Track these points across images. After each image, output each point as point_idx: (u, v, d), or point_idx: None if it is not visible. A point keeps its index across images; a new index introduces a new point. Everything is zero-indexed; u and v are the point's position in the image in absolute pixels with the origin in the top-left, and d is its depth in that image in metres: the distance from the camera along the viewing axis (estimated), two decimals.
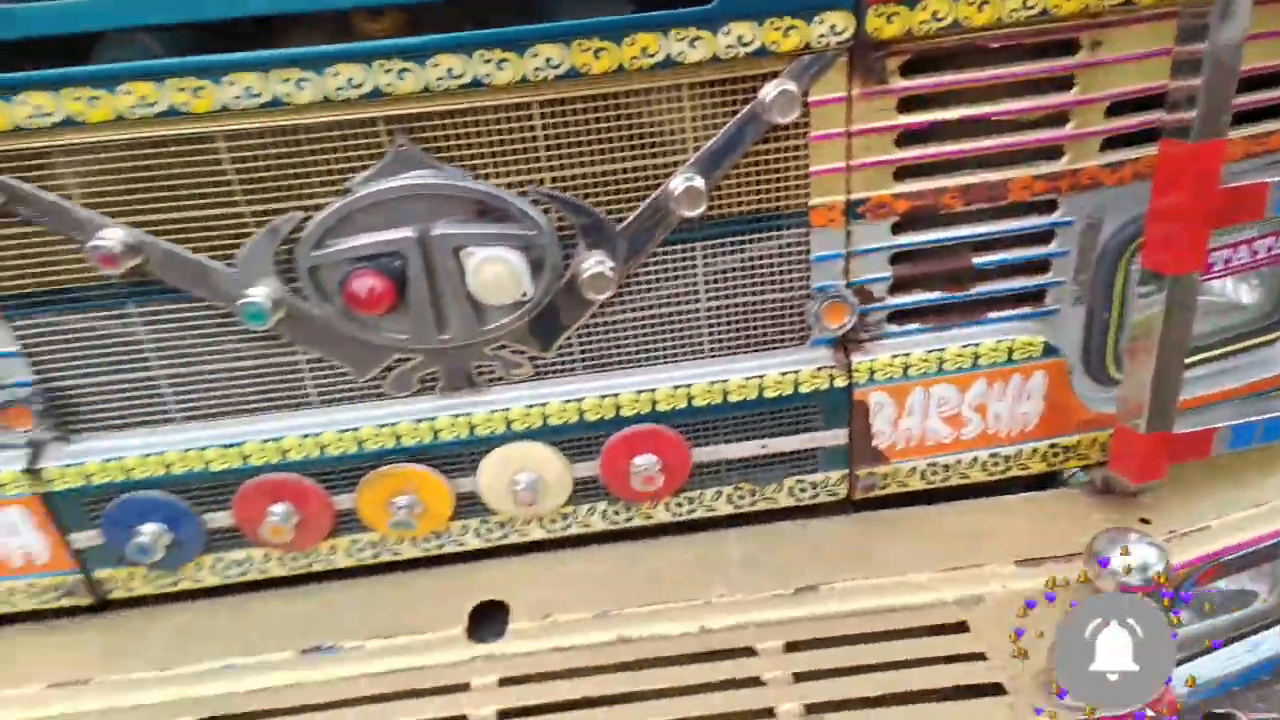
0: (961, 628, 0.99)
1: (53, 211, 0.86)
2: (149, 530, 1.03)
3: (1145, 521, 1.07)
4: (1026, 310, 1.04)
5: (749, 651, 0.97)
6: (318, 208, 0.88)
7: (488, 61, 0.79)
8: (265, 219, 0.89)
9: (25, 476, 0.99)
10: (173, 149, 0.84)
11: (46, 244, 0.89)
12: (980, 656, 0.96)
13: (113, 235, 0.86)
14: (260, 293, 0.90)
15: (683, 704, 0.92)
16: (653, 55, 0.80)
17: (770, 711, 0.91)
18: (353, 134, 0.85)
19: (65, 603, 1.09)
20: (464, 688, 0.96)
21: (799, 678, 0.94)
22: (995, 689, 0.92)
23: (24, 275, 0.91)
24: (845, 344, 1.04)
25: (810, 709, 0.91)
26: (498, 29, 0.79)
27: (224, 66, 0.78)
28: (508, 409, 1.02)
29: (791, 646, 0.97)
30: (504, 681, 0.97)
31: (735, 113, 0.86)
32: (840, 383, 1.04)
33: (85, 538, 1.04)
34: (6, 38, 0.75)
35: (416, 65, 0.79)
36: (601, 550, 1.13)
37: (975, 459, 1.12)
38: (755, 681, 0.93)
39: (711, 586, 1.05)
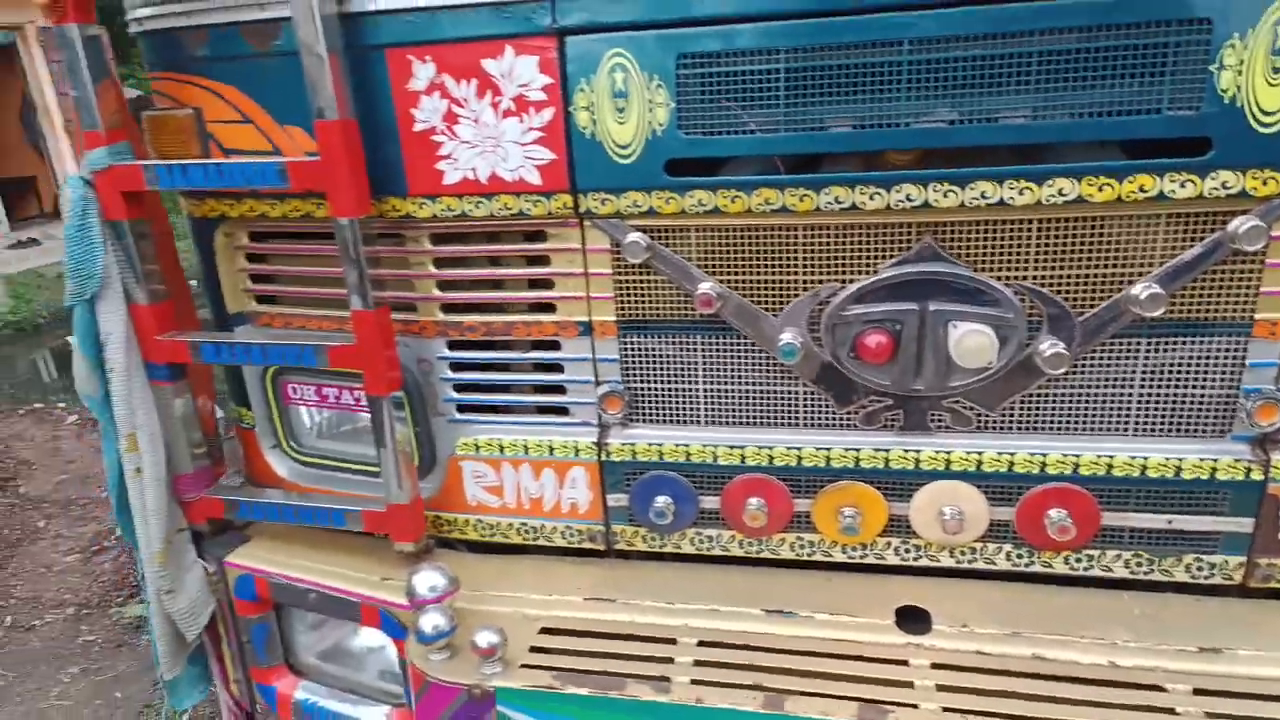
0: None
1: (676, 267, 1.29)
2: (662, 501, 1.41)
3: None
4: None
5: (1158, 689, 1.13)
6: (850, 281, 1.24)
7: (1013, 189, 1.11)
8: (810, 286, 1.26)
9: (594, 448, 1.43)
10: (766, 233, 1.24)
11: (660, 288, 1.32)
12: None
13: (710, 287, 1.27)
14: (793, 337, 1.26)
15: (1098, 714, 1.10)
16: (1146, 191, 1.07)
17: None
18: (892, 231, 1.20)
19: (586, 545, 1.50)
20: (903, 663, 1.21)
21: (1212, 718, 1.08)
22: None
23: (638, 307, 1.34)
24: (1265, 441, 1.20)
25: None
26: (1027, 165, 1.10)
27: (825, 182, 1.17)
28: (950, 452, 1.29)
29: (1200, 692, 1.11)
30: (935, 666, 1.20)
31: (1203, 238, 1.10)
32: (1256, 476, 1.20)
33: (615, 499, 1.45)
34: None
35: (958, 188, 1.13)
36: (1006, 585, 1.34)
37: None
38: (1170, 713, 1.09)
39: (1116, 632, 1.23)
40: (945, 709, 1.12)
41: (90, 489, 4.87)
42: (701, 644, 1.28)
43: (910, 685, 1.17)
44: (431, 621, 1.25)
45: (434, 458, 1.52)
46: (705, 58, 1.15)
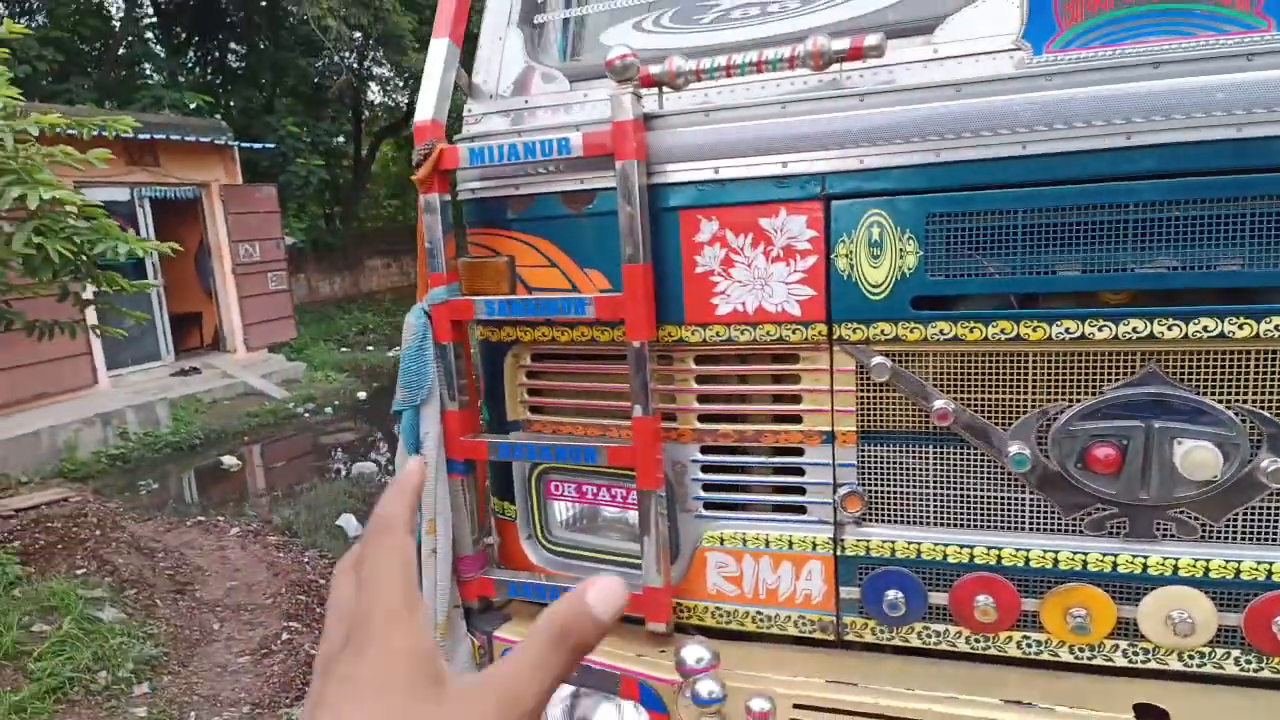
0: None
1: (914, 386, 1.52)
2: (894, 594, 1.57)
3: None
4: None
5: None
6: (1077, 400, 1.43)
7: (1234, 324, 1.30)
8: (1038, 403, 1.46)
9: (831, 543, 1.62)
10: (998, 357, 1.46)
11: (898, 403, 1.55)
12: None
13: (946, 404, 1.49)
14: (1023, 448, 1.45)
15: None
16: None
17: None
18: (1118, 358, 1.40)
19: (816, 635, 1.66)
20: None
21: None
22: None
23: (876, 419, 1.57)
24: None
25: None
26: (1246, 305, 1.30)
27: (1058, 316, 1.39)
28: (1177, 559, 1.42)
29: None
30: None
31: None
32: None
33: (848, 592, 1.62)
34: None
35: (1182, 323, 1.33)
36: (1238, 689, 1.42)
37: None
38: None
39: None
40: None
41: (256, 595, 5.24)
42: None
43: None
44: (707, 688, 1.43)
45: (678, 548, 1.74)
46: (950, 216, 1.42)
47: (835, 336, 1.54)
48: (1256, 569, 1.38)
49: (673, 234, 1.61)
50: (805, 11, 1.66)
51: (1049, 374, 1.44)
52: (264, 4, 16.45)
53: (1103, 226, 1.34)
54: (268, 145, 13.40)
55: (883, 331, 1.50)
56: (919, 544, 1.56)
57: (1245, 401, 1.35)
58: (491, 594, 1.83)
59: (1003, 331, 1.43)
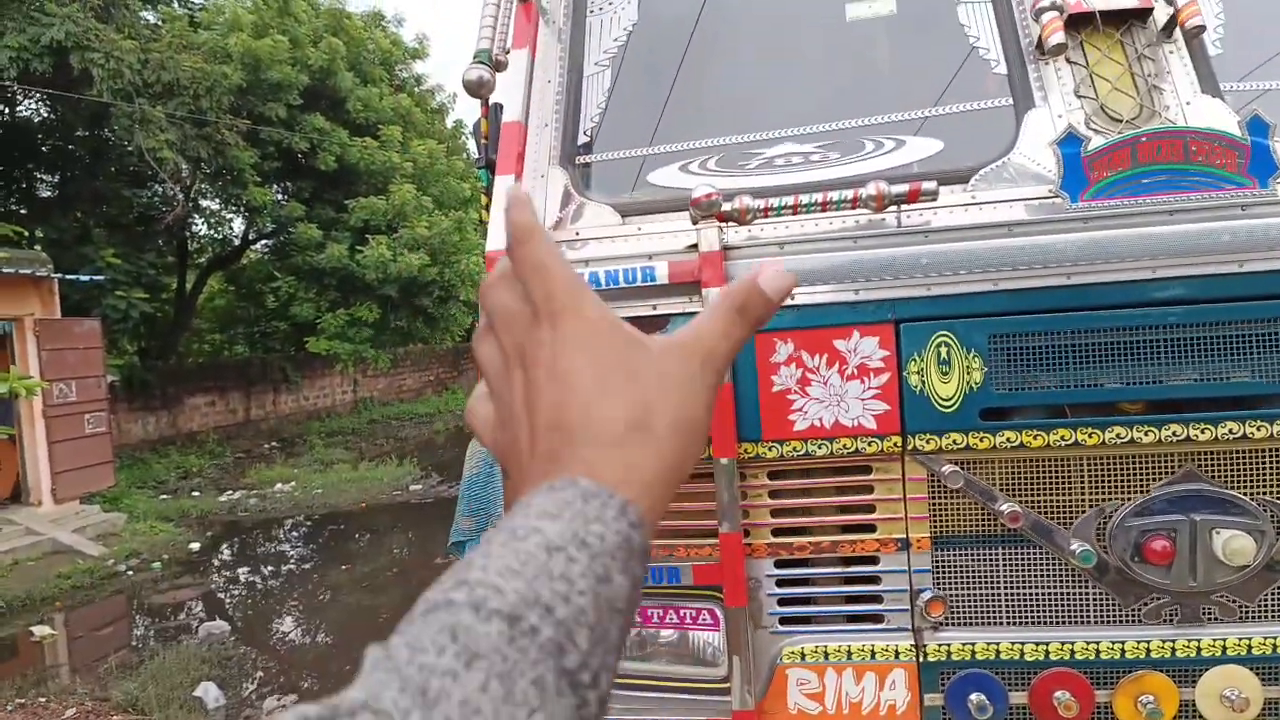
0: None
1: (983, 491, 1.64)
2: (977, 698, 1.63)
3: None
4: None
5: None
6: (1128, 499, 1.61)
7: (1253, 426, 1.54)
8: (1095, 503, 1.62)
9: (913, 650, 1.67)
10: (1059, 462, 1.63)
11: (967, 509, 1.66)
12: None
13: (1012, 507, 1.62)
14: (1084, 546, 1.60)
15: None
16: None
17: None
18: (1159, 459, 1.60)
19: None
20: None
21: None
22: None
23: (948, 524, 1.67)
24: None
25: None
26: (1264, 409, 1.54)
27: (1110, 423, 1.58)
28: (1225, 638, 1.59)
29: None
30: None
31: None
32: None
33: (931, 699, 1.66)
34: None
35: (1212, 426, 1.55)
36: None
37: None
38: None
39: None
40: None
41: None
42: None
43: None
44: None
45: (756, 668, 1.72)
46: (1010, 336, 1.61)
47: (910, 447, 1.65)
48: None
49: (749, 355, 1.69)
50: (843, 163, 1.86)
51: (1104, 475, 1.62)
52: (83, 134, 15.51)
53: (1136, 344, 1.57)
54: (96, 278, 12.35)
55: (954, 441, 1.63)
56: (997, 644, 1.64)
57: (1266, 492, 1.58)
58: None
59: (1062, 438, 1.60)
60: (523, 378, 0.45)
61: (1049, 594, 1.65)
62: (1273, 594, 1.60)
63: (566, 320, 0.44)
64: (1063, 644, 1.63)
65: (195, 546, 10.14)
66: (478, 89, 1.87)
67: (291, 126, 16.37)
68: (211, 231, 19.67)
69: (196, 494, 13.33)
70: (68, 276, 11.51)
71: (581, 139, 2.03)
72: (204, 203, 18.51)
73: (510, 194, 0.48)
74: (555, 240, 0.49)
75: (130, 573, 8.98)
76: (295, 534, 11.15)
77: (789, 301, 1.67)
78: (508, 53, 1.96)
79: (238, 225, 18.85)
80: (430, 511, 11.28)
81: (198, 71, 13.25)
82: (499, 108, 2.15)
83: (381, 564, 9.21)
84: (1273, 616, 1.60)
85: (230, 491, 13.24)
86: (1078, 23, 1.79)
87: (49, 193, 17.16)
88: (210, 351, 21.31)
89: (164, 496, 13.06)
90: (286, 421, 18.92)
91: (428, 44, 20.42)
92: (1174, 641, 1.60)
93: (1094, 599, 1.65)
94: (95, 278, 12.52)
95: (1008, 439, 1.62)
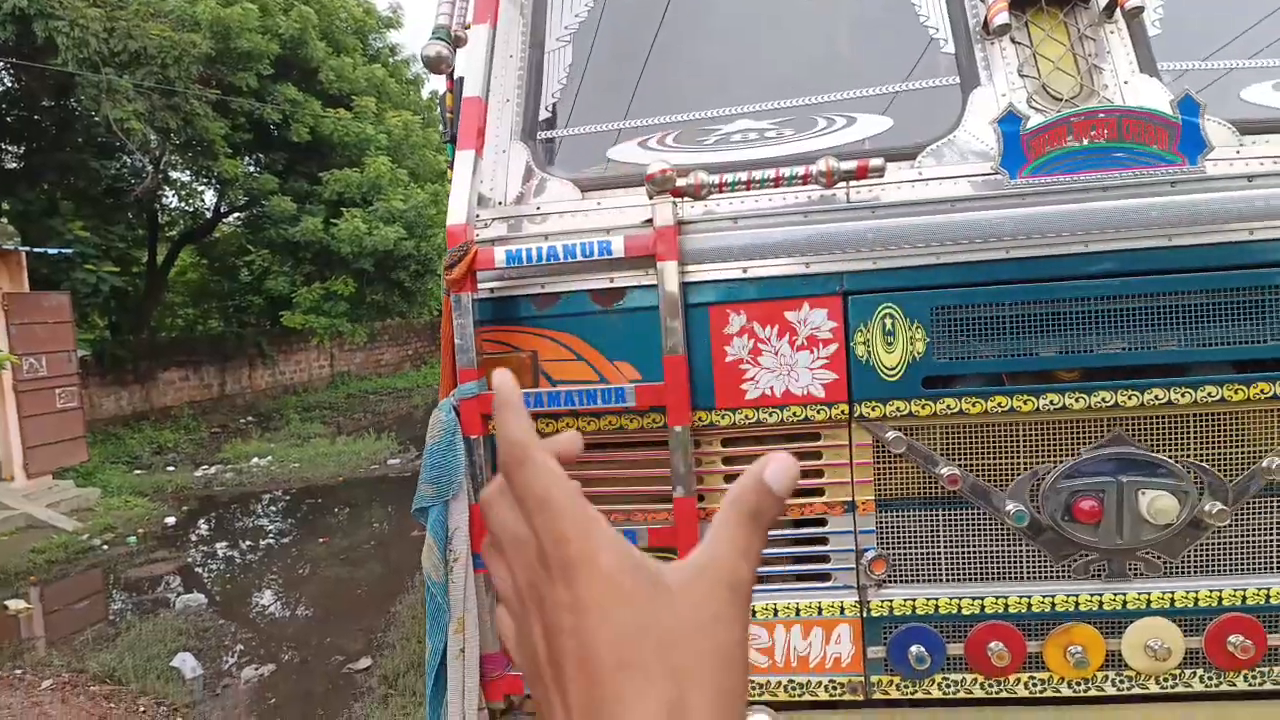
0: None
1: (924, 456, 1.72)
2: (917, 649, 1.73)
3: None
4: None
5: None
6: (1059, 462, 1.69)
7: (1178, 392, 1.63)
8: (1029, 466, 1.71)
9: (858, 606, 1.75)
10: (996, 427, 1.71)
11: (909, 473, 1.74)
12: None
13: (951, 470, 1.70)
14: (1019, 506, 1.69)
15: None
16: (1266, 394, 1.61)
17: None
18: (1089, 424, 1.68)
19: (845, 697, 1.76)
20: None
21: None
22: None
23: (890, 487, 1.75)
24: None
25: None
26: (1186, 377, 1.63)
27: (1044, 390, 1.66)
28: (1149, 592, 1.69)
29: None
30: None
31: None
32: None
33: (874, 651, 1.75)
34: None
35: (1139, 393, 1.64)
36: (1203, 704, 1.68)
37: None
38: None
39: None
40: None
41: None
42: None
43: None
44: None
45: None
46: (951, 308, 1.68)
47: (856, 415, 1.72)
48: (1210, 596, 1.67)
49: (703, 327, 1.75)
50: (796, 139, 1.91)
51: (1037, 440, 1.70)
52: (49, 105, 15.17)
53: (1070, 315, 1.65)
54: (64, 250, 12.16)
55: (898, 409, 1.70)
56: (936, 599, 1.74)
57: (1189, 456, 1.67)
58: (521, 691, 1.78)
59: (999, 405, 1.68)
60: (545, 647, 0.42)
61: (985, 552, 1.74)
62: (1194, 551, 1.70)
63: (582, 578, 0.40)
64: (997, 598, 1.72)
65: (171, 521, 10.12)
66: (436, 65, 1.90)
67: (263, 97, 16.08)
68: (183, 204, 19.36)
69: (171, 469, 13.25)
70: (35, 250, 11.33)
71: (543, 114, 2.06)
72: (174, 175, 18.18)
73: (498, 390, 0.44)
74: (550, 462, 0.45)
75: (105, 547, 8.96)
76: (272, 508, 11.16)
77: (744, 275, 1.73)
78: (468, 28, 1.98)
79: (209, 198, 18.56)
80: (408, 486, 11.31)
81: (165, 40, 12.96)
82: (462, 81, 2.17)
83: (359, 537, 9.26)
84: (1194, 572, 1.70)
85: (206, 466, 13.18)
86: (1023, 3, 1.84)
87: (14, 164, 16.80)
88: (183, 326, 21.07)
89: (138, 471, 12.97)
90: (262, 396, 18.79)
91: (402, 13, 20.07)
92: (1101, 595, 1.70)
93: (1027, 556, 1.74)
94: (64, 250, 12.33)
95: (948, 406, 1.69)
